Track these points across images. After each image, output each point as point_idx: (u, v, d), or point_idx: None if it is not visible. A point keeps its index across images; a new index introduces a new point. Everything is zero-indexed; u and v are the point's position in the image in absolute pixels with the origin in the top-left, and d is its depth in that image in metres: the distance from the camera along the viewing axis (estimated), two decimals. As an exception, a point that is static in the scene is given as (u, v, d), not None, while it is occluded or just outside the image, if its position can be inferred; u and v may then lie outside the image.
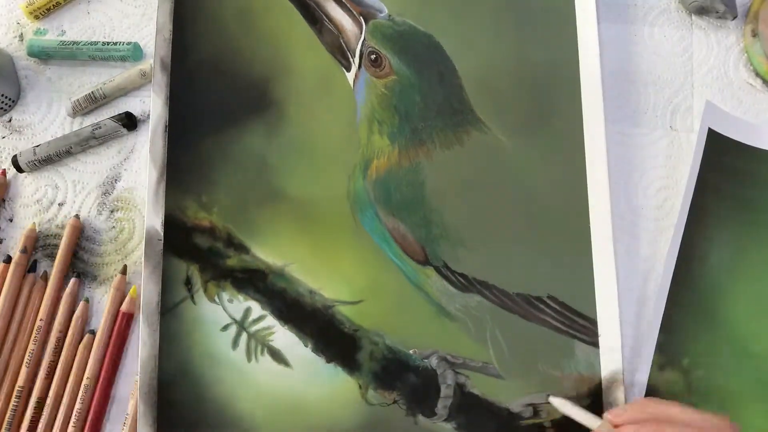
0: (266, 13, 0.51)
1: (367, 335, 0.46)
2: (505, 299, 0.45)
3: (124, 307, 0.49)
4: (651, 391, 0.44)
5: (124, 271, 0.50)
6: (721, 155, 0.46)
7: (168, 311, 0.47)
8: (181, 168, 0.49)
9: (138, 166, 0.52)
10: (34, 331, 0.49)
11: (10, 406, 0.48)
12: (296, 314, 0.47)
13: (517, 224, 0.46)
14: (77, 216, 0.51)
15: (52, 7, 0.55)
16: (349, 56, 0.49)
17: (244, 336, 0.47)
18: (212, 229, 0.48)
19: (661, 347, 0.44)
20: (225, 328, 0.47)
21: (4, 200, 0.53)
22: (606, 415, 0.39)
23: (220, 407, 0.46)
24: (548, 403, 0.43)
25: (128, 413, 0.47)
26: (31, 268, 0.51)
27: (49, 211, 0.52)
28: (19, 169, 0.53)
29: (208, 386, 0.46)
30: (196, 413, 0.46)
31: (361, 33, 0.49)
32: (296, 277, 0.47)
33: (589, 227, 0.46)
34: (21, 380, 0.48)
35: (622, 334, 0.44)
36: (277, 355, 0.46)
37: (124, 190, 0.52)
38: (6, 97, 0.53)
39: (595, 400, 0.44)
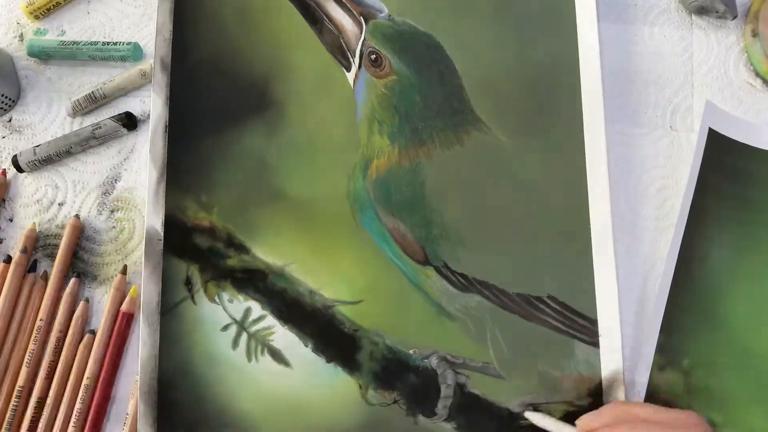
0: (266, 13, 0.51)
1: (367, 335, 0.46)
2: (505, 299, 0.45)
3: (124, 307, 0.49)
4: (651, 392, 0.44)
5: (124, 271, 0.50)
6: (722, 155, 0.46)
7: (168, 311, 0.47)
8: (181, 168, 0.49)
9: (138, 166, 0.52)
10: (34, 331, 0.49)
11: (11, 406, 0.48)
12: (296, 314, 0.47)
13: (517, 224, 0.46)
14: (77, 216, 0.51)
15: (52, 7, 0.55)
16: (349, 56, 0.49)
17: (244, 336, 0.47)
18: (212, 229, 0.48)
19: (661, 347, 0.44)
20: (225, 328, 0.47)
21: (4, 200, 0.53)
22: (578, 422, 0.39)
23: (220, 407, 0.46)
24: (549, 403, 0.43)
25: (128, 413, 0.47)
26: (31, 268, 0.51)
27: (49, 211, 0.52)
28: (19, 169, 0.53)
29: (208, 386, 0.46)
30: (196, 413, 0.46)
31: (361, 33, 0.49)
32: (296, 277, 0.47)
33: (589, 227, 0.46)
34: (21, 380, 0.48)
35: (623, 334, 0.44)
36: (277, 355, 0.46)
37: (124, 190, 0.52)
38: (6, 97, 0.53)
39: (595, 400, 0.44)
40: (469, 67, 0.49)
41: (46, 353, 0.48)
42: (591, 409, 0.41)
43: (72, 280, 0.50)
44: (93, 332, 0.48)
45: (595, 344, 0.44)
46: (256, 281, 0.47)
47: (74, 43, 0.54)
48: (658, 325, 0.44)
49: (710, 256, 0.45)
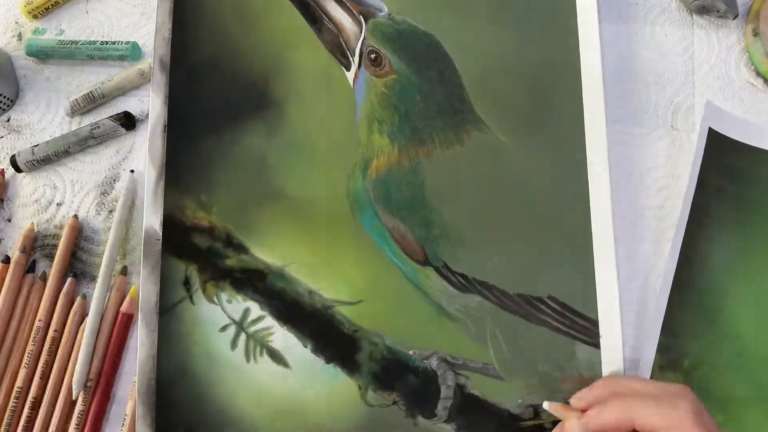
0: (266, 12, 0.51)
1: (367, 336, 0.46)
2: (505, 300, 0.45)
3: (123, 308, 0.48)
4: (652, 392, 0.44)
5: (124, 272, 0.49)
6: (722, 155, 0.46)
7: (166, 311, 0.47)
8: (180, 168, 0.49)
9: (137, 166, 0.52)
10: (33, 332, 0.49)
11: (9, 407, 0.47)
12: (295, 314, 0.47)
13: (518, 224, 0.46)
14: (76, 216, 0.51)
15: (50, 7, 0.55)
16: (349, 55, 0.49)
17: (243, 336, 0.47)
18: (211, 228, 0.48)
19: (662, 348, 0.44)
20: (224, 328, 0.47)
21: (2, 200, 0.53)
22: (572, 400, 0.40)
23: (218, 408, 0.46)
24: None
25: (127, 414, 0.47)
26: (30, 268, 0.50)
27: (48, 211, 0.52)
28: (18, 169, 0.52)
29: (207, 387, 0.46)
30: (195, 414, 0.46)
31: (360, 32, 0.49)
32: (295, 277, 0.47)
33: (590, 227, 0.45)
34: (20, 381, 0.48)
35: (623, 334, 0.44)
36: (276, 356, 0.46)
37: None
38: (4, 97, 0.53)
39: (596, 401, 0.43)
40: (470, 66, 0.48)
41: (43, 353, 0.48)
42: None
43: (68, 280, 0.49)
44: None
45: (596, 345, 0.44)
46: (255, 281, 0.47)
47: (73, 42, 0.53)
48: (659, 325, 0.44)
49: (711, 256, 0.45)
